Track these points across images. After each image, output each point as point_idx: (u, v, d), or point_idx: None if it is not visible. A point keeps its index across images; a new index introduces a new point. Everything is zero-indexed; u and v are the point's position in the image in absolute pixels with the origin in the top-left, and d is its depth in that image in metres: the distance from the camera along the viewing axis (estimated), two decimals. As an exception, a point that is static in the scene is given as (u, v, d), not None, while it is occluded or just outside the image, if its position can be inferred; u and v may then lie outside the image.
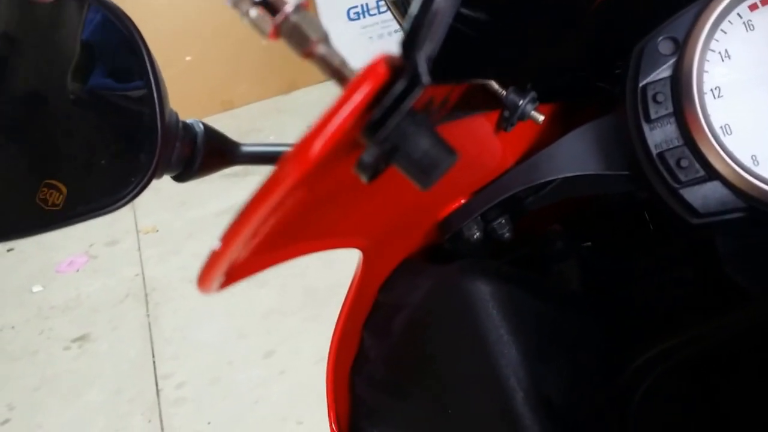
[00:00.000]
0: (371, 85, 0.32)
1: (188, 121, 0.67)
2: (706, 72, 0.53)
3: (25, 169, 0.66)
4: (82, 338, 2.70)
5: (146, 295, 2.84)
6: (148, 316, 2.73)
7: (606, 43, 0.62)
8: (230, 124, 3.85)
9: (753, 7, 0.54)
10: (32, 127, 0.65)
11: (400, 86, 0.33)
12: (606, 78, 0.63)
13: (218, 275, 0.37)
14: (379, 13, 3.92)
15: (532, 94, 0.58)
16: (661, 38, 0.55)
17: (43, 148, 0.65)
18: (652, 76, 0.55)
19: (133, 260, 3.06)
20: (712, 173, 0.53)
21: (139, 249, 3.11)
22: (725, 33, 0.54)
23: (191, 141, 0.66)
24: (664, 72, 0.55)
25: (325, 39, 0.37)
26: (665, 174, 0.54)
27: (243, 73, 3.98)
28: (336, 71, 0.37)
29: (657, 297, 0.66)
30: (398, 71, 0.33)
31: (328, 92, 3.88)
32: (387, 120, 0.33)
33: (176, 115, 0.65)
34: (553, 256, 0.71)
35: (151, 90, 0.62)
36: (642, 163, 0.55)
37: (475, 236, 0.62)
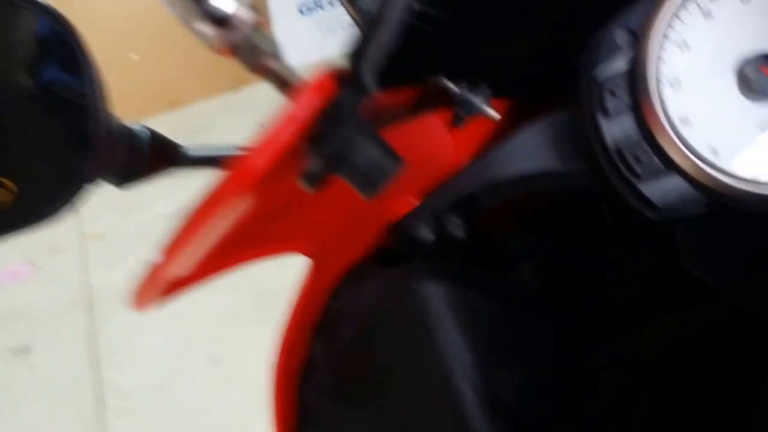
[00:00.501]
0: (316, 99, 0.32)
1: (131, 125, 0.66)
2: (664, 63, 0.53)
3: None
4: (24, 350, 2.66)
5: (92, 304, 2.80)
6: (92, 325, 2.69)
7: (562, 34, 0.62)
8: (178, 123, 3.80)
9: None
10: None
11: (344, 98, 0.33)
12: (562, 71, 0.63)
13: (157, 291, 0.37)
14: (332, 7, 3.91)
15: (485, 90, 0.58)
16: (617, 29, 0.55)
17: None
18: (608, 67, 0.55)
19: (79, 268, 3.01)
20: (670, 166, 0.53)
21: (84, 256, 3.06)
22: (683, 22, 0.54)
23: (133, 146, 0.65)
24: (620, 64, 0.54)
25: (276, 53, 0.37)
26: (623, 168, 0.54)
27: (190, 71, 3.95)
28: (286, 85, 0.36)
29: (617, 293, 0.65)
30: (344, 82, 0.33)
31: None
32: (331, 132, 0.33)
33: (118, 120, 0.64)
34: (509, 254, 0.70)
35: (90, 95, 0.61)
36: (599, 158, 0.55)
37: (427, 238, 0.62)
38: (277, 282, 2.54)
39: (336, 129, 0.33)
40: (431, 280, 0.58)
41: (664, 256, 0.61)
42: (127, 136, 0.64)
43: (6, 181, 0.62)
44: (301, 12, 3.92)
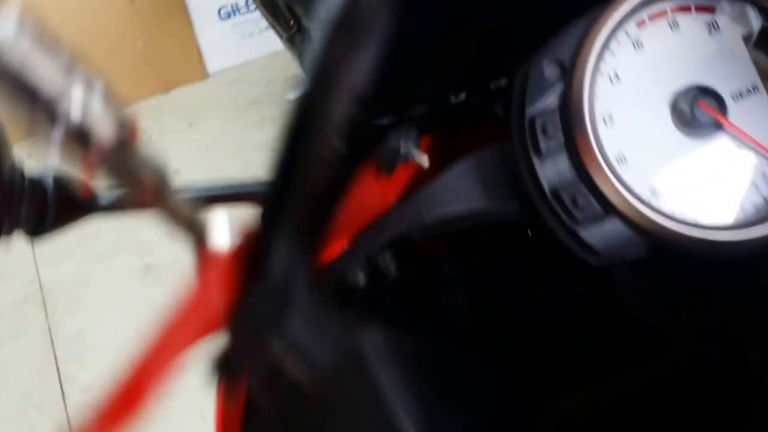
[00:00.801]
0: (217, 299, 0.22)
1: (36, 174, 0.55)
2: (596, 97, 0.45)
3: None
4: (-17, 346, 2.49)
5: (44, 300, 2.65)
6: (47, 320, 2.55)
7: (485, 61, 0.53)
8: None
9: (641, 24, 0.46)
10: None
11: (257, 301, 0.23)
12: (485, 98, 0.54)
13: None
14: (249, 10, 3.77)
15: (414, 133, 0.48)
16: (546, 62, 0.46)
17: None
18: (538, 104, 0.46)
19: (28, 264, 2.84)
20: (610, 209, 0.45)
21: (33, 253, 2.90)
22: (613, 53, 0.45)
23: (40, 196, 0.54)
24: (551, 99, 0.46)
25: (162, 180, 0.27)
26: (560, 212, 0.45)
27: (119, 74, 3.76)
28: (186, 223, 0.26)
29: (549, 320, 0.58)
30: (256, 269, 0.23)
31: (206, 90, 3.74)
32: (243, 343, 0.23)
33: (20, 170, 0.53)
34: (440, 281, 0.62)
35: None
36: (534, 199, 0.46)
37: (360, 281, 0.53)
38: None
39: (248, 338, 0.23)
40: (369, 327, 0.51)
41: (597, 287, 0.54)
42: (31, 186, 0.53)
43: None
44: (220, 16, 3.77)
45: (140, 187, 0.26)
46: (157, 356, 0.22)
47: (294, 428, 0.56)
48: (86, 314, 2.54)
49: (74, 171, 0.26)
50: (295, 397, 0.54)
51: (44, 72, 0.25)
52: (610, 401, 0.49)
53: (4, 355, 2.45)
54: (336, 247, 0.53)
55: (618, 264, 0.46)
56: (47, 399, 2.23)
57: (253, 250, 0.24)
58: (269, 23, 2.86)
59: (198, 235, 0.26)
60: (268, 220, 0.24)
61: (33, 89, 0.25)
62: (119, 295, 2.56)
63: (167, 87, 3.83)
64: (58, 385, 2.27)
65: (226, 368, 0.25)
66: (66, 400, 2.21)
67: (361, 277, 0.53)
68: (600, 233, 0.45)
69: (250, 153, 3.06)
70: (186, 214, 0.27)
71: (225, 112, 3.46)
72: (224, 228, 0.26)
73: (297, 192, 0.24)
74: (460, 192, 0.50)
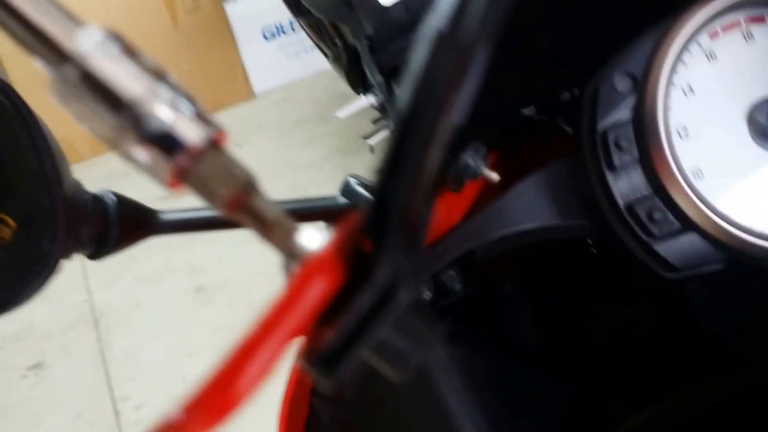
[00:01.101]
0: (316, 297, 0.21)
1: (97, 192, 0.55)
2: (670, 110, 0.44)
3: None
4: (36, 366, 2.54)
5: (95, 321, 2.69)
6: (99, 340, 2.58)
7: (553, 74, 0.52)
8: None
9: (714, 35, 0.44)
10: None
11: (366, 301, 0.22)
12: (550, 113, 0.53)
13: None
14: (293, 30, 3.80)
15: (482, 150, 0.47)
16: (616, 74, 0.45)
17: None
18: (611, 118, 0.45)
19: (80, 286, 2.88)
20: (687, 225, 0.44)
21: (84, 275, 2.94)
22: (686, 65, 0.44)
23: (102, 215, 0.54)
24: (623, 113, 0.45)
25: (251, 184, 0.26)
26: (636, 227, 0.44)
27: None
28: (273, 231, 0.25)
29: (616, 337, 0.57)
30: (361, 265, 0.22)
31: (252, 110, 3.77)
32: (347, 351, 0.22)
33: (81, 187, 0.53)
34: (504, 298, 0.61)
35: (45, 166, 0.49)
36: (608, 215, 0.45)
37: (425, 296, 0.52)
38: (269, 293, 2.48)
39: (353, 338, 0.22)
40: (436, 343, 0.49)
41: (667, 302, 0.52)
42: (93, 204, 0.53)
43: (5, 217, 0.51)
44: (265, 37, 3.81)
45: (228, 193, 0.25)
46: (251, 351, 0.21)
47: None
48: (138, 334, 2.56)
49: (160, 182, 0.26)
50: (358, 411, 0.54)
51: (131, 78, 0.25)
52: (681, 419, 0.48)
53: (56, 376, 2.49)
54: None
55: (694, 279, 0.45)
56: (100, 417, 2.25)
57: (356, 253, 0.23)
58: (314, 42, 2.88)
59: (284, 242, 0.25)
60: (376, 223, 0.24)
61: (119, 95, 0.24)
62: (171, 315, 2.59)
63: (214, 108, 3.87)
64: (111, 404, 2.28)
65: (326, 365, 0.24)
66: (119, 418, 2.22)
67: (426, 293, 0.52)
68: (677, 248, 0.45)
69: (299, 173, 3.08)
70: (273, 221, 0.26)
71: (272, 133, 3.49)
72: (314, 235, 0.25)
73: (407, 197, 0.24)
74: (529, 208, 0.49)
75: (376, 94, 2.47)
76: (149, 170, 0.26)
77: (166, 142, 0.25)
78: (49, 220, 0.49)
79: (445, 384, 0.48)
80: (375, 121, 2.58)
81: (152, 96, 0.25)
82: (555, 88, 0.53)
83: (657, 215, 0.44)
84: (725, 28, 0.45)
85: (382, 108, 2.59)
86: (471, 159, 0.47)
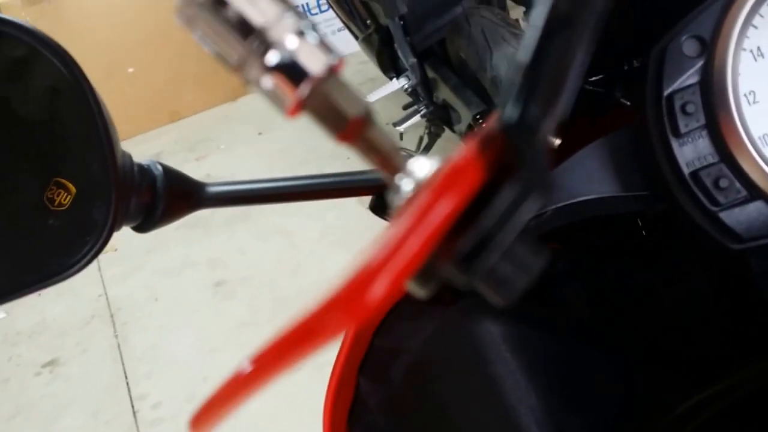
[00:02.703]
0: (459, 197, 0.22)
1: (144, 163, 0.57)
2: (739, 75, 0.45)
3: None
4: (52, 363, 2.57)
5: (112, 316, 2.72)
6: (116, 336, 2.61)
7: (615, 43, 0.53)
8: (179, 135, 3.73)
9: None
10: None
11: (507, 197, 0.24)
12: (614, 84, 0.54)
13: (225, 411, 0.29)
14: (321, 11, 3.82)
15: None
16: (684, 38, 0.46)
17: None
18: (677, 82, 0.46)
19: (95, 280, 2.92)
20: (755, 192, 0.45)
21: (99, 269, 2.98)
22: (756, 28, 0.45)
23: (150, 187, 0.56)
24: (691, 77, 0.46)
25: (368, 115, 0.28)
26: (701, 196, 0.45)
27: (188, 82, 3.85)
28: (385, 160, 0.27)
29: (672, 315, 0.58)
30: (501, 165, 0.24)
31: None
32: (478, 246, 0.24)
33: (130, 157, 0.55)
34: (555, 278, 0.63)
35: (99, 134, 0.51)
36: (671, 183, 0.46)
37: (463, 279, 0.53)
38: (292, 290, 2.50)
39: (485, 242, 0.24)
40: (487, 319, 0.51)
41: (727, 277, 0.53)
42: (141, 175, 0.55)
43: (67, 183, 0.54)
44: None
45: (346, 120, 0.27)
46: (395, 250, 0.23)
47: (403, 425, 0.56)
48: (156, 330, 2.59)
49: (280, 109, 0.28)
50: (407, 392, 0.55)
51: (259, 4, 0.26)
52: (742, 398, 0.49)
53: (72, 372, 2.52)
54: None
55: (759, 250, 0.46)
56: (117, 416, 2.28)
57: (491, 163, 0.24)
58: (344, 23, 2.90)
59: (396, 171, 0.27)
60: (520, 130, 0.25)
61: (248, 21, 0.26)
62: (190, 310, 2.61)
63: (236, 95, 3.90)
64: (129, 402, 2.31)
65: (431, 280, 0.26)
66: (137, 417, 2.25)
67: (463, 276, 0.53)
68: (743, 217, 0.45)
69: (324, 161, 3.09)
70: (388, 149, 0.28)
71: (297, 120, 3.49)
72: (426, 165, 0.27)
73: (551, 108, 0.25)
74: (588, 179, 0.50)
75: (408, 78, 2.48)
76: (271, 96, 0.28)
77: (291, 70, 0.27)
78: (103, 189, 0.51)
79: (499, 364, 0.49)
80: (406, 107, 2.58)
81: (279, 23, 0.27)
82: (613, 58, 0.54)
83: (723, 183, 0.45)
84: None
85: (413, 92, 2.60)
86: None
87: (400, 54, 2.32)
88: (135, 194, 0.54)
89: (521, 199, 0.24)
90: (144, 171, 0.56)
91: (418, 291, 0.27)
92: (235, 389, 0.27)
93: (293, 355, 0.25)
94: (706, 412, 0.49)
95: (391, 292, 0.22)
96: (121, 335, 2.61)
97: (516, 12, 2.71)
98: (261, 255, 2.74)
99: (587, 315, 0.61)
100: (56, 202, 0.53)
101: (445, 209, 0.22)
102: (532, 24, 0.26)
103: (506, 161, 0.24)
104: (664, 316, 0.58)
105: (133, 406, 2.30)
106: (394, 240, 0.22)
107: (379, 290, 0.22)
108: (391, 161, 0.28)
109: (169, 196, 0.56)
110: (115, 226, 0.53)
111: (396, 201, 0.28)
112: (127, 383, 2.39)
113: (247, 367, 0.26)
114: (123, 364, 2.48)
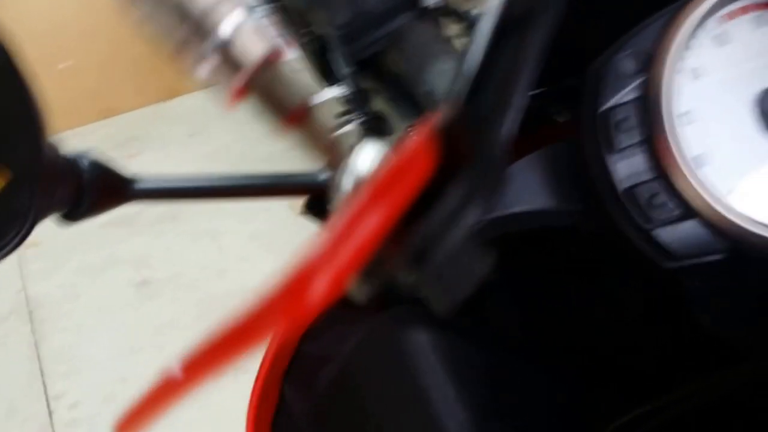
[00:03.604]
0: (404, 193, 0.21)
1: (71, 154, 0.55)
2: (675, 94, 0.45)
3: None
4: (-33, 359, 2.48)
5: (30, 312, 2.65)
6: (33, 333, 2.54)
7: (552, 58, 0.53)
8: (109, 133, 3.65)
9: (724, 20, 0.46)
10: None
11: (457, 194, 0.23)
12: (548, 100, 0.54)
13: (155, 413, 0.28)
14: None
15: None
16: (623, 54, 0.46)
17: None
18: (615, 98, 0.46)
19: (15, 276, 2.84)
20: (688, 211, 0.45)
21: (19, 264, 2.90)
22: (694, 49, 0.45)
23: (76, 178, 0.54)
24: (628, 94, 0.46)
25: (311, 103, 0.27)
26: (634, 213, 0.45)
27: (121, 80, 3.79)
28: (327, 149, 0.27)
29: (606, 331, 0.58)
30: (449, 161, 0.23)
31: (210, 98, 3.75)
32: (428, 242, 0.23)
33: (57, 148, 0.54)
34: (485, 289, 0.62)
35: (29, 119, 0.49)
36: (605, 199, 0.46)
37: (408, 277, 0.53)
38: (216, 292, 2.48)
39: (437, 238, 0.23)
40: (418, 327, 0.50)
41: (660, 298, 0.53)
42: (68, 166, 0.54)
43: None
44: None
45: (289, 107, 0.27)
46: (349, 230, 0.22)
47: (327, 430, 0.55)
48: (75, 329, 2.53)
49: (224, 94, 0.27)
50: (332, 401, 0.54)
51: None
52: (673, 416, 0.49)
53: (-10, 368, 2.44)
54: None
55: (692, 269, 0.46)
56: (33, 416, 2.22)
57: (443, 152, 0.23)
58: (311, 70, 2.88)
59: (339, 157, 0.27)
60: (474, 119, 0.24)
61: (189, 6, 0.25)
62: (112, 309, 2.56)
63: (169, 95, 3.84)
64: (45, 401, 2.26)
65: (370, 288, 0.25)
66: (52, 417, 2.19)
67: (411, 275, 0.53)
68: (676, 235, 0.45)
69: (257, 166, 3.07)
70: (331, 139, 0.27)
71: (229, 124, 3.47)
72: (371, 152, 0.26)
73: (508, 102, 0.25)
74: (523, 191, 0.49)
75: (342, 87, 2.47)
76: (213, 82, 0.27)
77: (231, 55, 0.26)
78: (29, 176, 0.50)
79: (428, 374, 0.48)
80: (338, 115, 2.58)
81: (219, 8, 0.26)
82: (549, 74, 0.54)
83: (657, 200, 0.45)
84: (736, 14, 0.46)
85: (347, 101, 2.59)
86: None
87: (335, 64, 2.32)
88: (61, 184, 0.53)
89: (471, 196, 0.23)
90: (71, 162, 0.54)
91: (358, 293, 0.26)
92: (164, 393, 0.26)
93: (228, 357, 0.24)
94: (641, 429, 0.49)
95: (330, 293, 0.21)
96: (39, 333, 2.55)
97: (452, 29, 2.73)
98: (187, 256, 2.70)
99: (518, 328, 0.61)
100: None
101: (390, 206, 0.22)
102: (486, 20, 0.26)
103: (456, 157, 0.24)
104: (598, 333, 0.58)
105: (48, 406, 2.25)
106: (334, 239, 0.21)
107: (318, 291, 0.21)
108: (333, 151, 0.27)
109: (96, 188, 0.55)
110: (39, 216, 0.51)
111: (336, 196, 0.27)
112: (44, 382, 2.34)
113: (179, 370, 0.25)
114: (40, 362, 2.41)
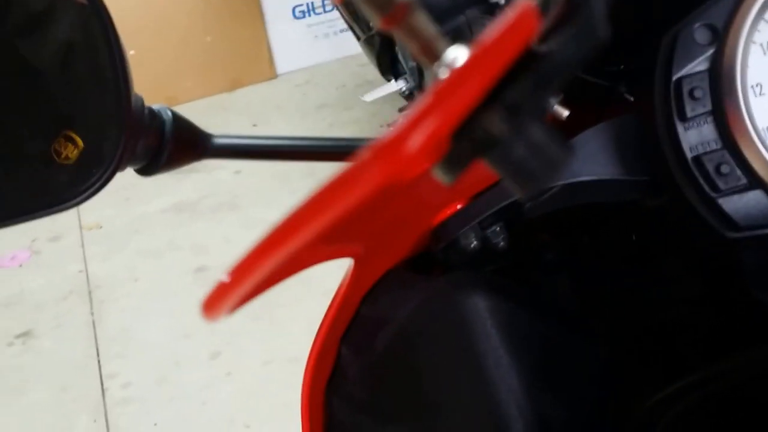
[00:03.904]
0: (518, 41, 0.23)
1: (155, 107, 0.58)
2: (748, 66, 0.46)
3: None
4: (25, 334, 2.56)
5: (90, 293, 2.71)
6: (92, 314, 2.60)
7: (622, 35, 0.54)
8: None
9: None
10: None
11: (564, 38, 0.24)
12: (618, 79, 0.55)
13: (241, 293, 0.29)
14: (325, 11, 3.83)
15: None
16: (697, 25, 0.47)
17: None
18: (687, 68, 0.47)
19: (77, 257, 2.91)
20: (755, 182, 0.45)
21: (82, 245, 2.97)
22: (767, 22, 0.46)
23: (158, 130, 0.57)
24: (701, 64, 0.47)
25: (413, 1, 0.28)
26: (701, 181, 0.46)
27: (187, 69, 3.85)
28: (426, 47, 0.28)
29: (656, 313, 0.59)
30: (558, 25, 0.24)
31: (273, 90, 3.78)
32: (518, 102, 0.24)
33: (142, 100, 0.56)
34: (544, 268, 0.63)
35: (116, 70, 0.53)
36: (673, 167, 0.47)
37: (472, 245, 0.54)
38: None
39: (527, 97, 0.24)
40: (476, 292, 0.51)
41: (717, 277, 0.54)
42: (151, 118, 0.56)
43: (75, 137, 0.55)
44: (295, 15, 3.84)
45: (392, 3, 0.28)
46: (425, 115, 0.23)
47: (382, 403, 0.56)
48: (132, 311, 2.59)
49: None
50: (387, 363, 0.55)
51: None
52: (719, 390, 0.49)
53: (43, 346, 2.51)
54: (450, 209, 0.55)
55: (753, 241, 0.47)
56: (86, 393, 2.27)
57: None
58: (347, 24, 2.90)
59: (436, 58, 0.28)
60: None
61: None
62: (168, 294, 2.61)
63: (233, 85, 3.90)
64: (99, 380, 2.30)
65: (458, 163, 0.26)
66: (105, 395, 2.24)
67: (473, 243, 0.54)
68: (741, 204, 0.46)
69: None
70: (430, 36, 0.29)
71: (291, 115, 3.51)
72: (466, 52, 0.27)
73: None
74: (591, 159, 0.50)
75: (406, 81, 2.48)
76: None
77: None
78: (115, 126, 0.53)
79: (483, 338, 0.49)
80: (401, 110, 2.59)
81: None
82: (619, 51, 0.55)
83: (724, 169, 0.45)
84: None
85: (410, 95, 2.60)
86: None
87: (400, 57, 2.32)
88: (143, 135, 0.55)
89: (573, 54, 0.25)
90: (154, 114, 0.57)
91: (445, 174, 0.27)
92: (268, 247, 0.27)
93: (329, 210, 0.25)
94: (682, 404, 0.50)
95: (428, 144, 0.22)
96: (97, 313, 2.60)
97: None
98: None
99: (571, 303, 0.62)
100: (63, 155, 0.54)
101: (491, 67, 0.23)
102: None
103: (559, 16, 0.25)
104: (647, 314, 0.59)
105: (102, 385, 2.29)
106: (433, 98, 0.23)
107: (415, 143, 0.22)
108: (432, 48, 0.28)
109: (175, 142, 0.57)
110: (121, 164, 0.54)
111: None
112: (99, 361, 2.38)
113: (284, 221, 0.26)
114: (96, 341, 2.47)
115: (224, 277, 0.28)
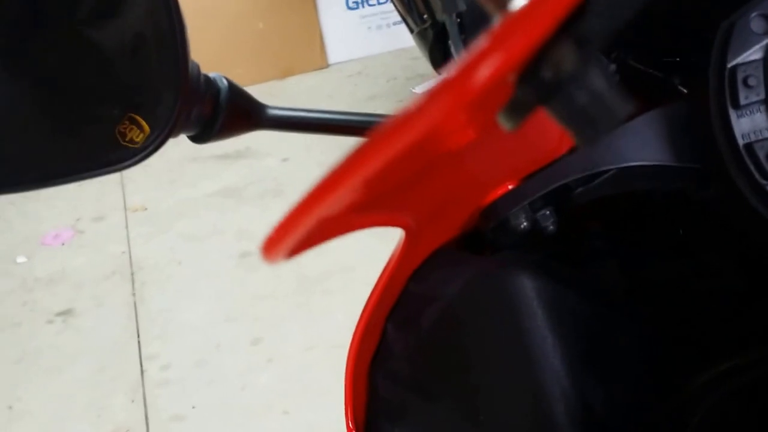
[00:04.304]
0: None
1: (211, 75, 0.59)
2: None
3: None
4: (66, 312, 2.61)
5: (132, 274, 2.75)
6: (133, 294, 2.64)
7: (676, 27, 0.55)
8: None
9: None
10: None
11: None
12: (672, 70, 0.55)
13: (300, 233, 0.29)
14: (379, 3, 3.85)
15: (612, 66, 0.51)
16: (753, 14, 0.48)
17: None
18: (742, 56, 0.48)
19: (120, 237, 2.96)
20: None
21: (126, 226, 3.02)
22: None
23: (213, 97, 0.58)
24: (756, 53, 0.47)
25: None
26: (752, 168, 0.47)
27: (238, 56, 3.89)
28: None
29: (701, 304, 0.59)
30: None
31: (324, 80, 3.81)
32: (577, 47, 0.25)
33: (198, 66, 0.58)
34: (591, 255, 0.64)
35: (174, 35, 0.54)
36: (724, 154, 0.48)
37: (522, 226, 0.55)
38: (318, 269, 2.51)
39: (596, 30, 0.25)
40: (525, 273, 0.52)
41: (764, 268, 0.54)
42: (207, 85, 0.57)
43: (142, 121, 0.56)
44: (348, 6, 3.86)
45: None
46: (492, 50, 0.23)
47: (427, 380, 0.57)
48: (174, 293, 2.62)
49: None
50: (434, 340, 0.56)
51: None
52: (761, 377, 0.50)
53: (84, 325, 2.55)
54: (503, 189, 0.55)
55: None
56: (124, 373, 2.31)
57: None
58: (401, 15, 2.91)
59: (504, 5, 0.29)
60: None
61: None
62: (211, 277, 2.64)
63: (284, 73, 3.93)
64: (138, 360, 2.34)
65: (521, 109, 0.27)
66: (144, 376, 2.27)
67: (523, 224, 0.55)
68: None
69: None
70: None
71: (341, 105, 3.53)
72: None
73: None
74: (643, 145, 0.51)
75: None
76: None
77: None
78: (168, 88, 0.54)
79: (530, 318, 0.50)
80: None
81: None
82: (673, 44, 0.55)
83: None
84: None
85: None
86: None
87: (453, 51, 2.33)
88: (198, 102, 0.56)
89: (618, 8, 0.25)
90: (210, 82, 0.58)
91: (508, 121, 0.27)
92: (339, 178, 0.27)
93: (400, 140, 0.25)
94: (723, 390, 0.50)
95: (496, 73, 0.23)
96: (139, 294, 2.64)
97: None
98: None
99: (617, 288, 0.62)
100: (128, 138, 0.55)
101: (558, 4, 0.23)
102: None
103: None
104: (693, 305, 0.59)
105: (141, 365, 2.33)
106: (501, 30, 0.23)
107: (485, 72, 0.23)
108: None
109: (229, 110, 0.58)
110: (174, 129, 0.55)
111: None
112: (139, 342, 2.42)
113: (352, 153, 0.26)
114: (137, 322, 2.50)
115: (285, 215, 0.28)
